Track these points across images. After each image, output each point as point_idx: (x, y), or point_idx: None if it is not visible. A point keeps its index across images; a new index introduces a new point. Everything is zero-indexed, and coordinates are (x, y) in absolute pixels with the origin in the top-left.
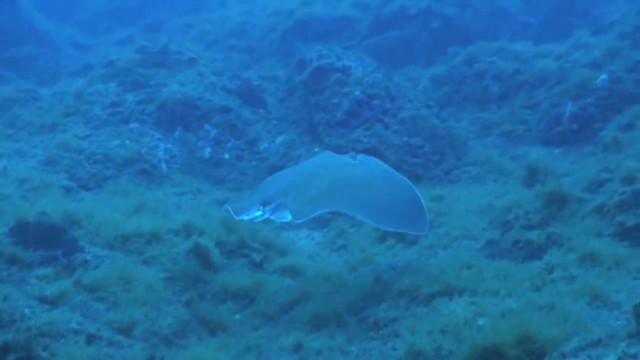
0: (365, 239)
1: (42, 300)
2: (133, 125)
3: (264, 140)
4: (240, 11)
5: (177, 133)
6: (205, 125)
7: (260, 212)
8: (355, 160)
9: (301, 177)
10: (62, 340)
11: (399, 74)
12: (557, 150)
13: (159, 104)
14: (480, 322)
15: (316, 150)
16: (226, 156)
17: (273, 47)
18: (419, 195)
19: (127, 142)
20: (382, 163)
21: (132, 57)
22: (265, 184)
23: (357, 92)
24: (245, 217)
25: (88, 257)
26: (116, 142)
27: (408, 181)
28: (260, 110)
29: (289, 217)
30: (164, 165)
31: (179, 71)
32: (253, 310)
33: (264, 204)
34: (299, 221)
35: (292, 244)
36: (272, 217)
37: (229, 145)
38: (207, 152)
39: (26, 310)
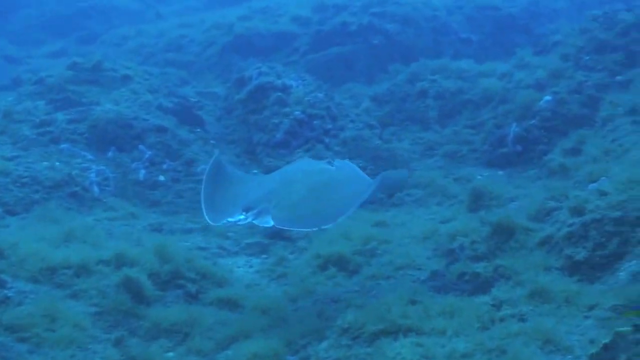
0: (305, 267)
1: None
2: (63, 145)
3: (201, 161)
4: (178, 24)
5: (110, 154)
6: (140, 146)
7: (243, 216)
8: (332, 165)
9: (281, 184)
10: None
11: (340, 91)
12: (501, 172)
13: (91, 123)
14: None
15: (255, 171)
16: (161, 178)
17: (211, 62)
18: None
19: (57, 163)
20: (357, 168)
21: (64, 74)
22: (238, 188)
23: (297, 112)
24: (230, 219)
25: (10, 294)
26: (45, 163)
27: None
28: (198, 130)
29: (271, 223)
30: (96, 188)
31: (113, 89)
32: (187, 347)
33: (247, 209)
34: (280, 227)
35: (230, 273)
36: (255, 221)
37: (165, 166)
38: (142, 174)
39: None
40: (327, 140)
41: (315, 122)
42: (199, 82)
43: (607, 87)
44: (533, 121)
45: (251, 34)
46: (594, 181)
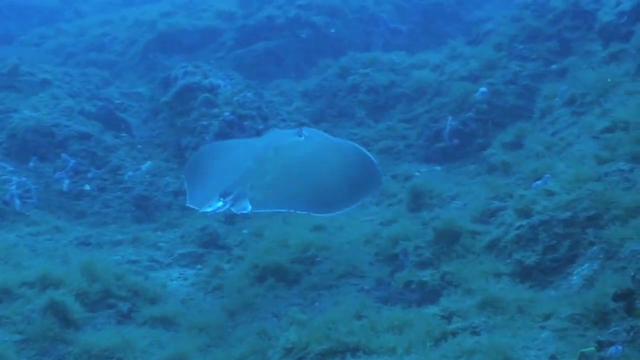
0: (242, 278)
1: None
2: None
3: (129, 167)
4: (99, 22)
5: (31, 164)
6: (63, 155)
7: (221, 203)
8: (302, 136)
9: (255, 163)
10: None
11: (270, 88)
12: (438, 167)
13: (9, 132)
14: None
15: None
16: (87, 187)
17: (135, 61)
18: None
19: None
20: (326, 135)
21: None
22: (212, 164)
23: (226, 113)
24: (208, 209)
25: None
26: None
27: (354, 145)
28: (124, 134)
29: (249, 208)
30: (17, 201)
31: (32, 94)
32: None
33: (224, 194)
34: (258, 210)
35: (163, 288)
36: (232, 208)
37: (90, 175)
38: (66, 184)
39: None
40: None
41: (245, 123)
42: (122, 82)
43: (543, 77)
44: (469, 114)
45: (175, 31)
46: (539, 178)
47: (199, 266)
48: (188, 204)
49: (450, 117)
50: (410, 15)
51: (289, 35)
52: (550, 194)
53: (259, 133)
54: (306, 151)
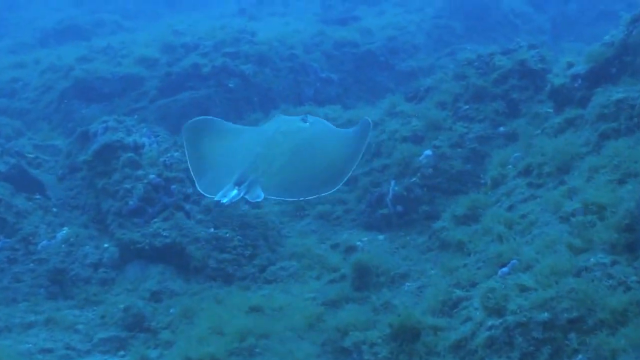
0: None
1: None
2: None
3: (43, 235)
4: (10, 64)
5: None
6: None
7: (236, 192)
8: (307, 122)
9: (264, 148)
10: None
11: None
12: (381, 237)
13: None
14: None
15: (106, 245)
16: None
17: (50, 109)
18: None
19: None
20: (327, 123)
21: None
22: (215, 144)
23: (152, 176)
24: (224, 200)
25: None
26: None
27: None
28: (37, 196)
29: (262, 195)
30: None
31: None
32: None
33: (238, 183)
34: (270, 197)
35: None
36: (247, 197)
37: None
38: None
39: None
40: (187, 207)
41: (173, 186)
42: (36, 133)
43: (491, 140)
44: (414, 179)
45: (93, 78)
46: (504, 264)
47: (122, 352)
48: (199, 190)
49: (393, 182)
50: (341, 64)
51: (216, 84)
52: (524, 288)
53: (187, 197)
54: (312, 135)
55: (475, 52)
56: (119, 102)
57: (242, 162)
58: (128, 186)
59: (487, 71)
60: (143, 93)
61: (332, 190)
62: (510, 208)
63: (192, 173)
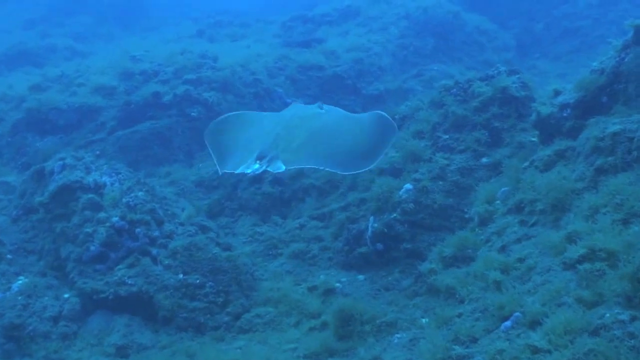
0: None
1: None
2: None
3: None
4: None
5: None
6: None
7: (258, 165)
8: (322, 109)
9: (283, 130)
10: None
11: (159, 175)
12: (361, 277)
13: None
14: None
15: (66, 296)
16: None
17: (1, 143)
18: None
19: None
20: (342, 110)
21: None
22: (234, 133)
23: (115, 218)
24: (248, 170)
25: None
26: None
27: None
28: None
29: (283, 167)
30: None
31: None
32: None
33: (260, 157)
34: (291, 167)
35: None
36: (269, 169)
37: None
38: None
39: None
40: (154, 251)
41: (138, 229)
42: None
43: (473, 172)
44: (394, 215)
45: (47, 109)
46: (506, 317)
47: None
48: (220, 170)
49: (371, 218)
50: (306, 88)
51: (178, 113)
52: (536, 350)
53: (153, 241)
54: (328, 120)
55: (452, 78)
56: (75, 134)
57: (263, 142)
58: (89, 230)
59: (466, 98)
60: (101, 124)
61: (354, 172)
62: (503, 249)
63: (217, 165)
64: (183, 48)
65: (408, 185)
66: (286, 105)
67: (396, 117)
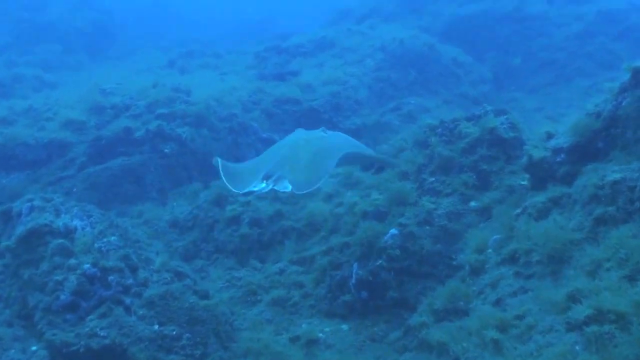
0: None
1: None
2: None
3: None
4: None
5: None
6: None
7: (264, 184)
8: (326, 133)
9: (289, 150)
10: None
11: (131, 214)
12: (345, 326)
13: None
14: None
15: (34, 349)
16: None
17: None
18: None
19: None
20: (347, 136)
21: None
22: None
23: (86, 265)
24: (255, 189)
25: None
26: None
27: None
28: None
29: (290, 187)
30: None
31: None
32: None
33: (266, 177)
34: (299, 192)
35: None
36: (275, 187)
37: None
38: None
39: None
40: (127, 300)
41: (110, 277)
42: None
43: (461, 216)
44: (379, 261)
45: (14, 144)
46: None
47: None
48: (234, 191)
49: (355, 264)
50: (282, 123)
51: (150, 150)
52: None
53: (127, 289)
54: (332, 141)
55: (430, 112)
56: (43, 170)
57: (269, 162)
58: (59, 277)
59: (452, 139)
60: (70, 160)
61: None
62: (498, 302)
63: (227, 185)
64: (155, 81)
65: (394, 230)
66: (261, 140)
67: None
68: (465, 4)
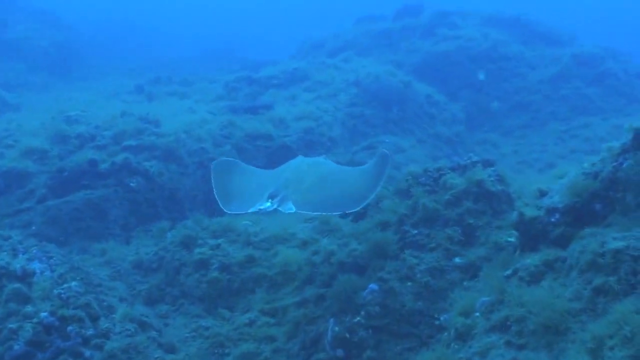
0: None
1: None
2: None
3: None
4: None
5: None
6: None
7: (269, 204)
8: (327, 160)
9: (292, 174)
10: None
11: (93, 252)
12: None
13: None
14: None
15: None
16: None
17: None
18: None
19: None
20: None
21: None
22: (239, 178)
23: (44, 313)
24: (262, 207)
25: None
26: None
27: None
28: None
29: (293, 209)
30: None
31: None
32: None
33: (271, 197)
34: (301, 211)
35: None
36: (279, 208)
37: None
38: None
39: None
40: (87, 353)
41: (70, 327)
42: None
43: (445, 273)
44: (357, 318)
45: None
46: None
47: None
48: (226, 210)
49: (332, 320)
50: (253, 159)
51: (116, 183)
52: None
53: (87, 340)
54: (334, 167)
55: (421, 166)
56: (1, 201)
57: (273, 183)
58: (13, 326)
59: (436, 189)
60: (29, 191)
61: (356, 209)
62: None
63: (219, 203)
64: (123, 109)
65: (373, 286)
66: None
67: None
68: (440, 42)
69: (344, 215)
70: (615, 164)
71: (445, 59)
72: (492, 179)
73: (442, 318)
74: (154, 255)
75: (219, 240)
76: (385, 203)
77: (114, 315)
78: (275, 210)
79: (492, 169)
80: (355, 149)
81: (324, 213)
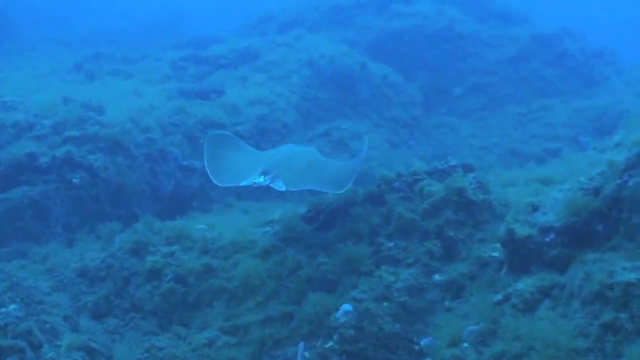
0: None
1: None
2: None
3: None
4: None
5: None
6: None
7: (262, 179)
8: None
9: (284, 157)
10: None
11: (33, 257)
12: None
13: None
14: None
15: None
16: None
17: None
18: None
19: None
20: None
21: None
22: (230, 153)
23: None
24: (256, 181)
25: None
26: None
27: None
28: None
29: (284, 187)
30: None
31: None
32: None
33: (264, 173)
34: (291, 189)
35: None
36: (271, 184)
37: None
38: None
39: None
40: None
41: (8, 359)
42: None
43: (424, 291)
44: (330, 343)
45: None
46: None
47: None
48: (217, 182)
49: (301, 344)
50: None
51: (57, 179)
52: None
53: None
54: (320, 156)
55: (394, 170)
56: None
57: (266, 161)
58: None
59: (412, 196)
60: None
61: (341, 191)
62: None
63: (209, 174)
64: (64, 96)
65: (347, 307)
66: (181, 168)
67: (324, 207)
68: (394, 19)
69: (308, 222)
70: (619, 181)
71: (400, 37)
72: (473, 187)
73: (422, 342)
74: (101, 263)
75: (173, 248)
76: (356, 210)
77: (58, 342)
78: (268, 186)
79: (473, 175)
80: (310, 134)
81: (312, 188)
